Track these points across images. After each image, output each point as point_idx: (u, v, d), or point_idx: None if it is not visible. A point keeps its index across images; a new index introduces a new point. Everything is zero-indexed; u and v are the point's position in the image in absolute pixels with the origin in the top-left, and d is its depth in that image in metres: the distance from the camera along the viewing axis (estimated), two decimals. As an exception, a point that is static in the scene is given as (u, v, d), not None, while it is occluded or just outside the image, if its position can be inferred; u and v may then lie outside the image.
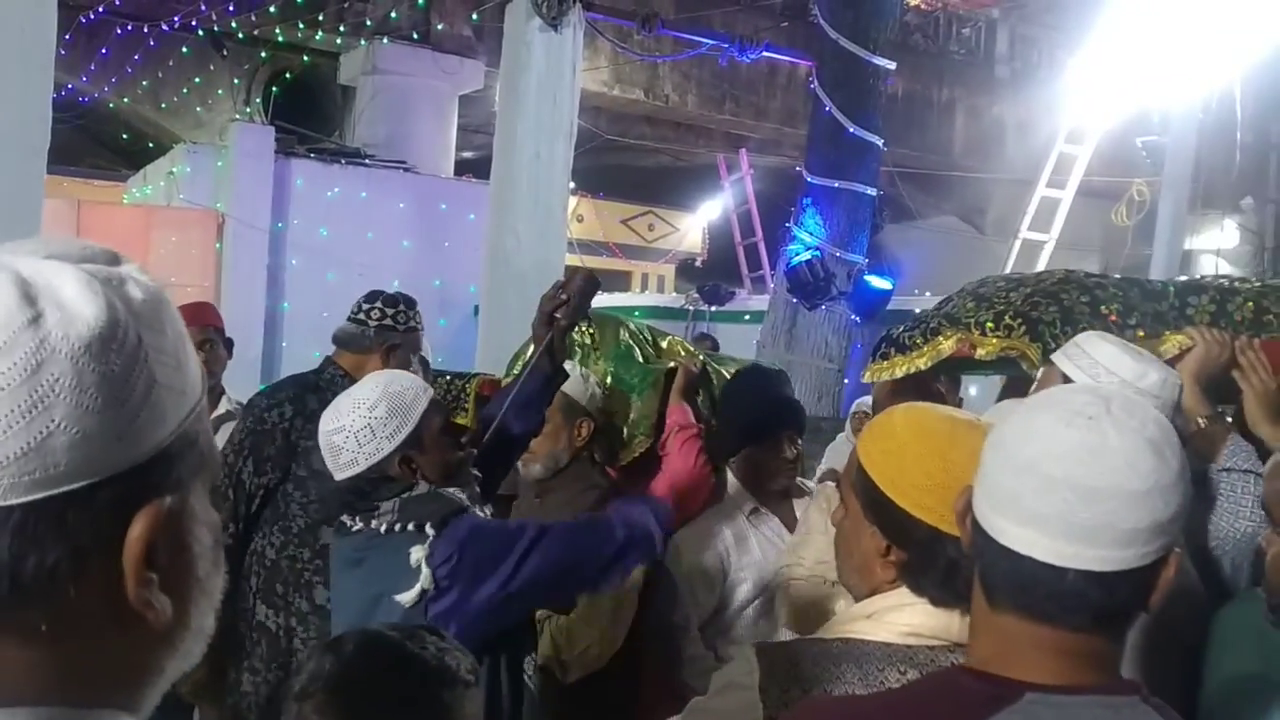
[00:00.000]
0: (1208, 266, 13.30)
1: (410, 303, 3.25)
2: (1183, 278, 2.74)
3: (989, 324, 2.45)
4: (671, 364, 3.23)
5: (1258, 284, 2.59)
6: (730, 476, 3.05)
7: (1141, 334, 2.36)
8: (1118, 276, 2.85)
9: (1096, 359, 1.94)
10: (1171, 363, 2.22)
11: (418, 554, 2.00)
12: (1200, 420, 2.15)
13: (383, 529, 2.03)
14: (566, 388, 2.85)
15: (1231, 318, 2.41)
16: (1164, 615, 1.73)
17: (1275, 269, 14.38)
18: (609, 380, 3.18)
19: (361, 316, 3.17)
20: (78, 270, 0.63)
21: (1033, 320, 2.41)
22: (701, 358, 3.37)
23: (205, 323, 4.06)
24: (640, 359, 3.25)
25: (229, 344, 4.22)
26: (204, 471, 0.69)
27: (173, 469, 0.65)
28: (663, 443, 3.10)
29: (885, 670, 1.35)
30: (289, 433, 3.01)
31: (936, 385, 3.22)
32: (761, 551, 2.92)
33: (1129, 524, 1.01)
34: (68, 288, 0.61)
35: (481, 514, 2.16)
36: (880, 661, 1.33)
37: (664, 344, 3.39)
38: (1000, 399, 2.86)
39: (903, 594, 1.38)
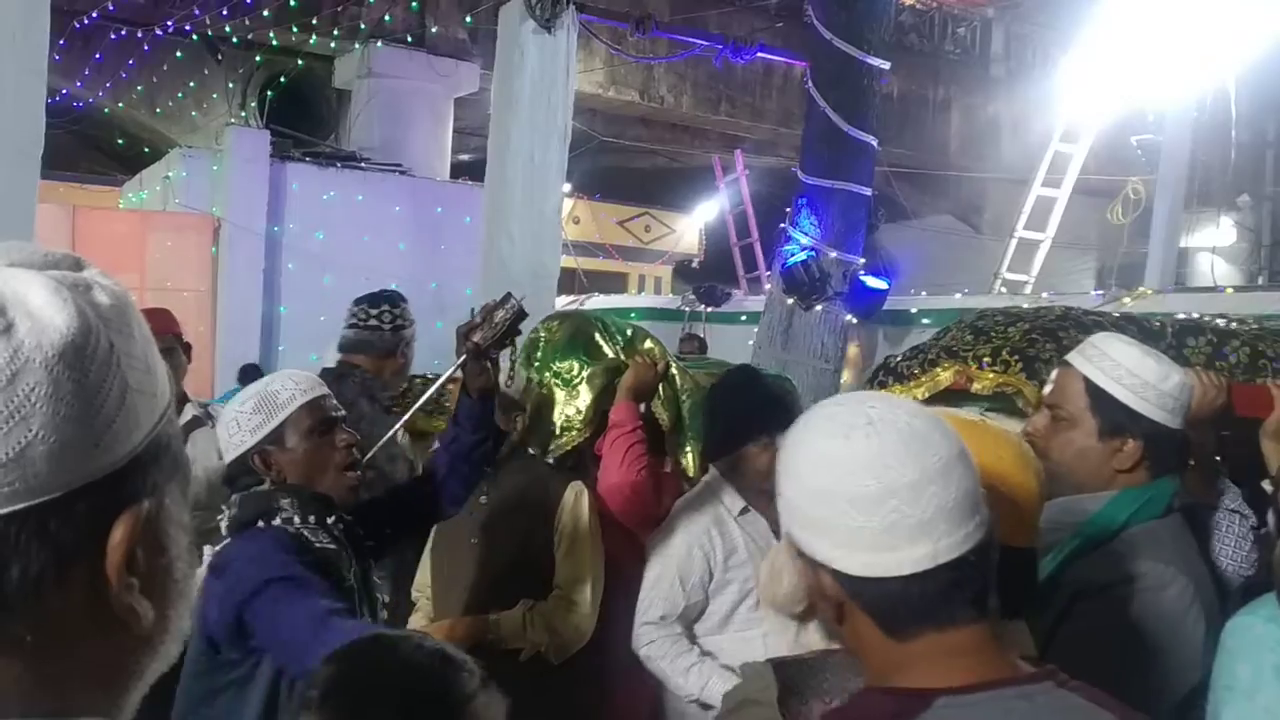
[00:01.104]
0: (1204, 264, 13.31)
1: (403, 298, 3.48)
2: (1181, 316, 2.74)
3: (986, 358, 2.48)
4: (618, 363, 3.25)
5: (1255, 327, 2.61)
6: (716, 475, 3.01)
7: None
8: (1116, 315, 2.85)
9: (1118, 360, 1.91)
10: None
11: (208, 553, 2.10)
12: (1192, 459, 2.16)
13: (224, 524, 2.12)
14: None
15: (1227, 360, 2.42)
16: (1162, 632, 1.74)
17: (1271, 266, 14.39)
18: (548, 375, 3.19)
19: (374, 323, 3.34)
20: (44, 277, 0.62)
21: (1030, 358, 2.43)
22: (668, 359, 3.37)
23: (167, 330, 4.05)
24: (584, 355, 3.24)
25: (187, 349, 4.24)
26: (178, 474, 0.69)
27: (148, 473, 0.65)
28: (599, 442, 3.12)
29: None
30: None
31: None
32: (749, 555, 2.88)
33: (953, 498, 1.04)
34: (35, 296, 0.61)
35: (311, 534, 2.08)
36: None
37: (644, 344, 3.37)
38: None
39: None
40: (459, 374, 2.51)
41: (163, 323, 4.07)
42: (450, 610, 2.96)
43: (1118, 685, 1.67)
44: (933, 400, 2.60)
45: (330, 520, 2.14)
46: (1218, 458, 2.29)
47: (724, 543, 2.88)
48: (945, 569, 1.04)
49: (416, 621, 3.03)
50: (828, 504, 1.07)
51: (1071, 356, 2.01)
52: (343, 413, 2.25)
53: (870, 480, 1.04)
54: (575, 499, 2.97)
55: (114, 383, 0.62)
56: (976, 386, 2.49)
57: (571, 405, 3.12)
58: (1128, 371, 1.89)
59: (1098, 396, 1.89)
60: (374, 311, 3.37)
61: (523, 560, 2.93)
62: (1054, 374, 2.05)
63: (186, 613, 0.70)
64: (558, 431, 3.13)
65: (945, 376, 2.54)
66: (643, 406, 3.22)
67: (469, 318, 2.52)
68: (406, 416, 2.76)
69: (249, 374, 6.59)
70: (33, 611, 0.60)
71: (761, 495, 2.95)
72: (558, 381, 3.17)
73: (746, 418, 2.94)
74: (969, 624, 1.07)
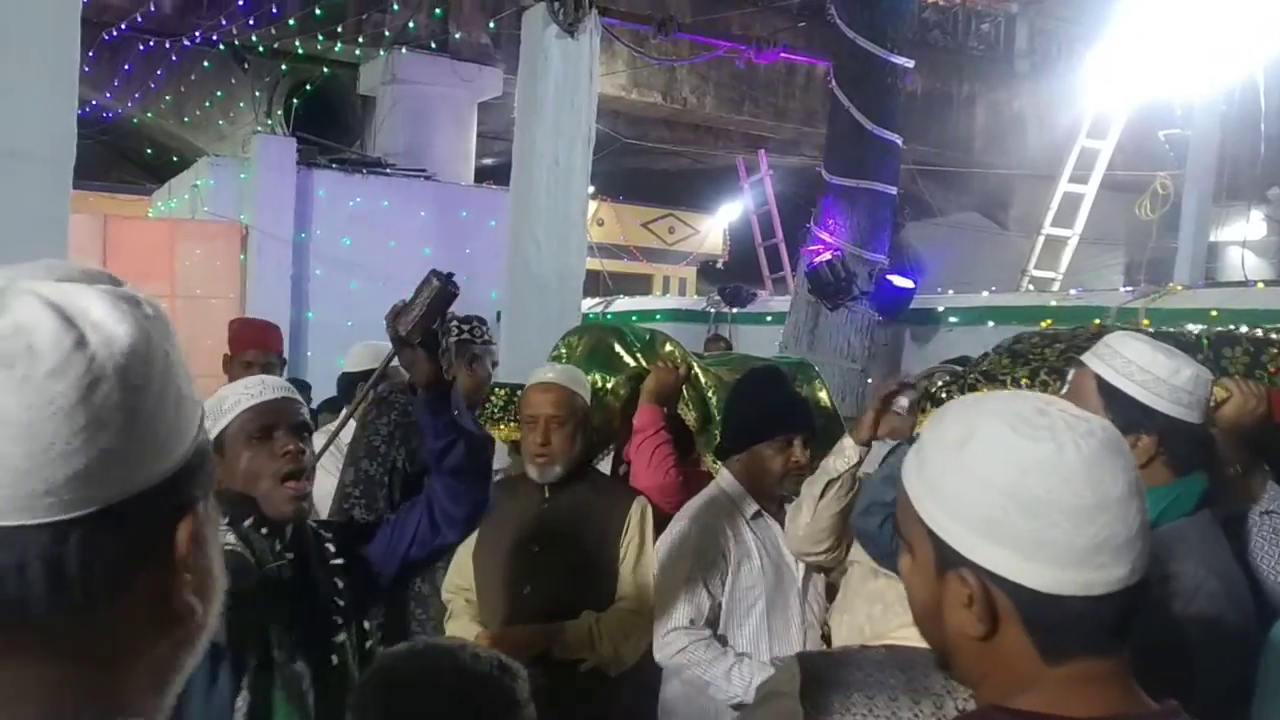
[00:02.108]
0: (1234, 258, 13.16)
1: (483, 321, 3.57)
2: (1217, 329, 2.74)
3: (1024, 380, 2.48)
4: (639, 370, 3.26)
5: None
6: (729, 476, 2.94)
7: None
8: (1151, 330, 2.86)
9: (1129, 358, 1.92)
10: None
11: None
12: (1238, 466, 2.15)
13: None
14: (574, 388, 2.93)
15: (1265, 369, 2.42)
16: (1195, 636, 1.73)
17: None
18: None
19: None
20: (100, 291, 0.64)
21: (1067, 376, 2.42)
22: (689, 361, 3.39)
23: (274, 348, 4.19)
24: (615, 368, 3.27)
25: (283, 364, 4.36)
26: (213, 477, 0.73)
27: (198, 474, 0.68)
28: (628, 446, 3.13)
29: (930, 675, 1.34)
30: None
31: None
32: (761, 560, 2.83)
33: (1145, 514, 1.01)
34: (96, 309, 0.63)
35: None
36: (925, 667, 1.31)
37: (666, 349, 3.39)
38: None
39: None
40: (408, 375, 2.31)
41: (267, 340, 4.14)
42: (503, 615, 2.91)
43: (1151, 691, 1.67)
44: None
45: (248, 523, 1.97)
46: (1267, 466, 2.29)
47: (737, 546, 2.82)
48: (1129, 593, 0.99)
49: (460, 625, 2.96)
50: (1035, 515, 0.98)
51: (1085, 356, 2.02)
52: (301, 419, 2.08)
53: (1087, 492, 0.97)
54: (641, 513, 2.98)
55: (171, 389, 0.65)
56: None
57: (596, 417, 3.15)
58: (1139, 368, 1.90)
59: (1110, 394, 1.90)
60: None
61: (588, 571, 2.92)
62: (1070, 375, 2.06)
63: (218, 610, 0.73)
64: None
65: None
66: (666, 409, 3.24)
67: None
68: (340, 422, 2.76)
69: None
70: (103, 611, 0.63)
71: (773, 500, 2.93)
72: None
73: (763, 417, 2.89)
74: (1115, 654, 1.02)
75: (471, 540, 2.96)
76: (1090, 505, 0.97)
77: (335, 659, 1.99)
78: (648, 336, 3.44)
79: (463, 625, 2.96)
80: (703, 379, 3.33)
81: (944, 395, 2.64)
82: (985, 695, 1.07)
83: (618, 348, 3.36)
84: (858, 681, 1.36)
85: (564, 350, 3.44)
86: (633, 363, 3.34)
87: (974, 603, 1.01)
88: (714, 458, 3.23)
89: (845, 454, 2.61)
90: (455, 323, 3.48)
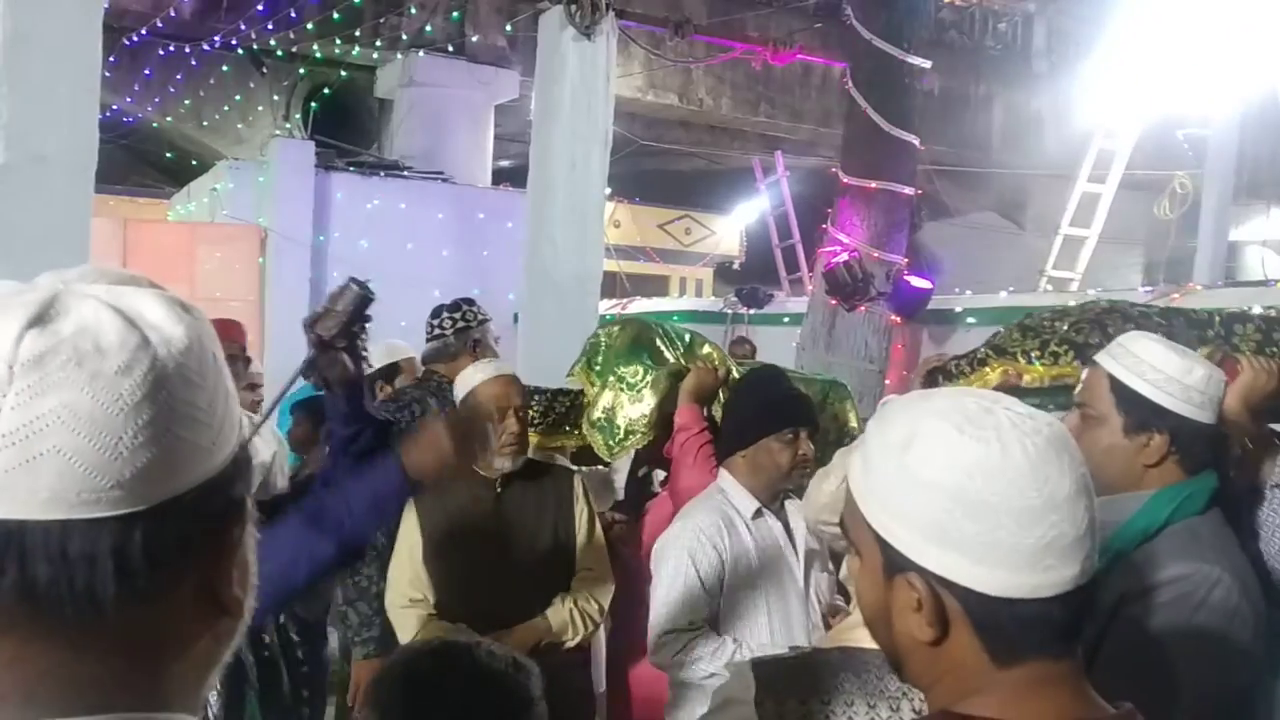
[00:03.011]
0: (1254, 257, 13.09)
1: (470, 301, 3.66)
2: (1228, 308, 2.75)
3: (1035, 353, 2.49)
4: (680, 367, 3.28)
5: None
6: (729, 477, 2.88)
7: None
8: (1160, 306, 2.87)
9: (1141, 356, 1.93)
10: None
11: None
12: (1248, 442, 2.15)
13: None
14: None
15: (1277, 345, 2.42)
16: (1211, 633, 1.73)
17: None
18: (612, 378, 3.24)
19: (438, 331, 3.57)
20: (154, 293, 0.67)
21: (1079, 345, 2.45)
22: (729, 364, 3.40)
23: (234, 339, 4.37)
24: (648, 360, 3.28)
25: (247, 362, 4.61)
26: (253, 475, 0.74)
27: (244, 471, 0.71)
28: (669, 446, 3.14)
29: (885, 679, 1.32)
30: None
31: None
32: (760, 562, 2.77)
33: (1094, 512, 0.98)
34: (152, 311, 0.65)
35: None
36: (880, 669, 1.28)
37: (703, 350, 3.41)
38: None
39: None
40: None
41: (232, 332, 4.34)
42: (476, 615, 2.90)
43: (1172, 691, 1.67)
44: None
45: None
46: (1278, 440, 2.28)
47: (734, 547, 2.77)
48: (1079, 593, 0.97)
49: (432, 631, 2.89)
50: (980, 518, 0.95)
51: (1099, 356, 2.03)
52: None
53: (1033, 493, 0.95)
54: (582, 487, 3.09)
55: (221, 387, 0.68)
56: (1026, 380, 2.50)
57: (635, 408, 3.17)
58: (1151, 367, 1.91)
59: (1122, 393, 1.91)
60: (435, 321, 3.58)
61: (555, 554, 3.01)
62: (1084, 373, 2.07)
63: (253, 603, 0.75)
64: (623, 434, 3.19)
65: (994, 375, 2.56)
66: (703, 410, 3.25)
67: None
68: (260, 422, 2.78)
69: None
70: (160, 603, 0.65)
71: (775, 497, 2.88)
72: (622, 385, 3.22)
73: (769, 410, 2.85)
74: (1068, 656, 1.00)
75: (417, 549, 2.96)
76: (1037, 506, 0.95)
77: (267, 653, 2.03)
78: (687, 337, 3.46)
79: (437, 630, 2.91)
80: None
81: (954, 369, 2.65)
82: (937, 700, 1.04)
83: (659, 343, 3.37)
84: (814, 687, 1.34)
85: (603, 339, 3.44)
86: (672, 359, 3.35)
87: (923, 607, 0.99)
88: None
89: None
90: (445, 312, 3.59)
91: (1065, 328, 2.53)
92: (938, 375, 2.70)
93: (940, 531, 0.97)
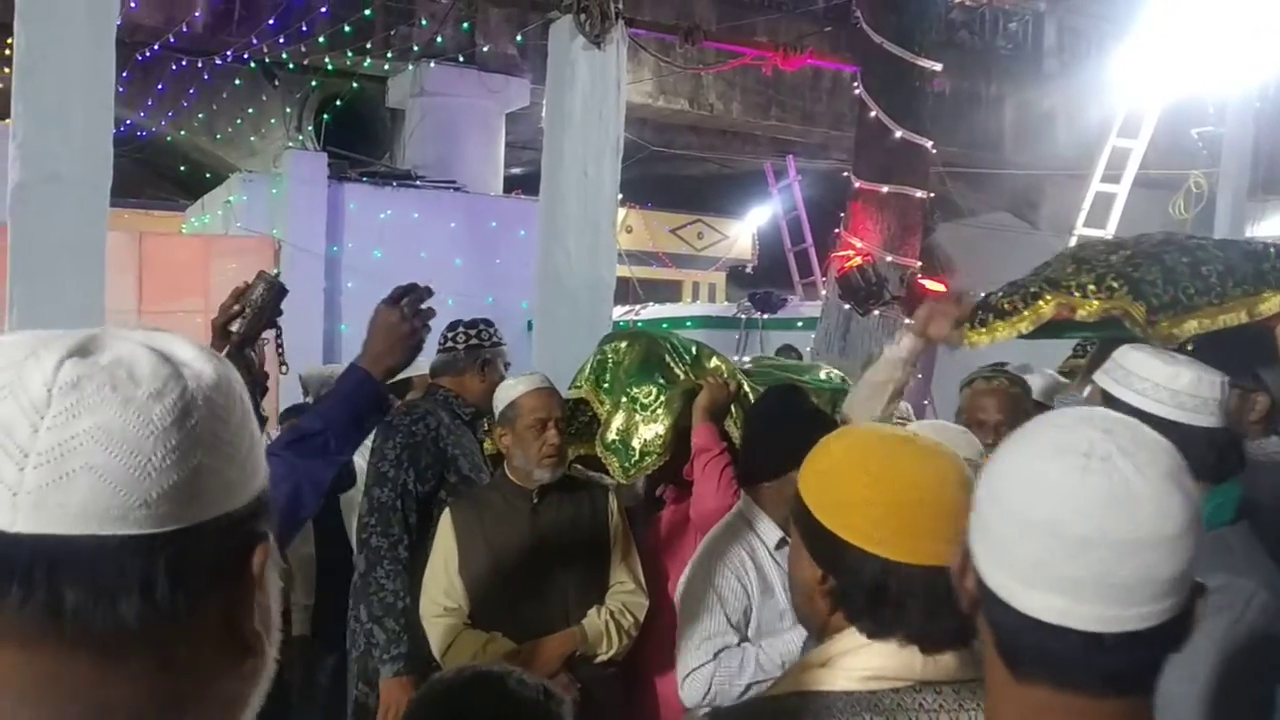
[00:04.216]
0: (1271, 255, 12.99)
1: (488, 322, 3.64)
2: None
3: (1091, 286, 2.41)
4: (694, 385, 3.24)
5: None
6: (751, 504, 2.77)
7: (1240, 292, 2.36)
8: (1217, 238, 2.81)
9: (1128, 368, 1.94)
10: (1271, 321, 2.25)
11: None
12: None
13: None
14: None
15: None
16: (1250, 647, 1.71)
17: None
18: (624, 399, 3.22)
19: (450, 344, 3.54)
20: (183, 338, 0.71)
21: (1134, 280, 2.37)
22: (738, 378, 3.37)
23: None
24: (660, 379, 3.24)
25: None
26: (275, 520, 0.76)
27: (265, 512, 0.72)
28: (688, 467, 3.10)
29: None
30: (438, 440, 3.29)
31: (1026, 401, 3.17)
32: (785, 593, 2.65)
33: (1168, 573, 0.90)
34: (183, 352, 0.69)
35: None
36: (843, 713, 1.21)
37: (711, 363, 3.37)
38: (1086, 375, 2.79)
39: (855, 635, 1.27)
40: None
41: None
42: (506, 624, 2.92)
43: (1218, 708, 1.65)
44: (1037, 333, 2.53)
45: None
46: None
47: (759, 579, 2.68)
48: (1121, 638, 0.90)
49: (471, 639, 2.90)
50: (1035, 538, 0.92)
51: (1097, 375, 2.04)
52: None
53: (1107, 522, 0.89)
54: (618, 503, 3.10)
55: (248, 425, 0.71)
56: (1081, 314, 2.41)
57: (650, 429, 3.14)
58: (1138, 377, 1.91)
59: (1112, 405, 1.89)
60: (450, 334, 3.57)
61: (590, 567, 3.00)
62: (1085, 392, 2.05)
63: (276, 651, 0.75)
64: (639, 456, 3.15)
65: (1048, 309, 2.45)
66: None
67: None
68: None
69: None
70: (180, 629, 0.66)
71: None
72: (635, 406, 3.19)
73: (797, 443, 2.69)
74: (1120, 696, 0.94)
75: (453, 558, 2.97)
76: (1087, 537, 0.91)
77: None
78: (694, 349, 3.42)
79: (473, 639, 2.91)
80: (752, 398, 3.30)
81: (1005, 305, 2.53)
82: None
83: (668, 359, 3.34)
84: None
85: (610, 356, 3.39)
86: (681, 374, 3.32)
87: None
88: None
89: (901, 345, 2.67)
90: (462, 327, 3.57)
91: (1120, 262, 2.46)
92: (983, 311, 2.59)
93: (1001, 548, 0.96)
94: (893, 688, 1.22)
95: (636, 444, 3.15)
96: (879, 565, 1.22)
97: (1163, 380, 1.88)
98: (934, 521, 1.22)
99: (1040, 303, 2.48)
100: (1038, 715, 0.96)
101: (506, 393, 3.06)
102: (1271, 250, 2.48)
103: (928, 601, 1.21)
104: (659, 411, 3.16)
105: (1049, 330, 2.59)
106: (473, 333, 3.56)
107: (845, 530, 1.26)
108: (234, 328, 2.28)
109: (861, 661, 1.24)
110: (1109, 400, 1.92)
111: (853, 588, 1.26)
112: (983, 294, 2.67)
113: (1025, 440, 0.98)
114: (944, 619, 1.18)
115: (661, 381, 3.22)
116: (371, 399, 1.96)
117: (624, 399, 3.21)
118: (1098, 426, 0.95)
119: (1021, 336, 2.54)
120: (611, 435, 3.22)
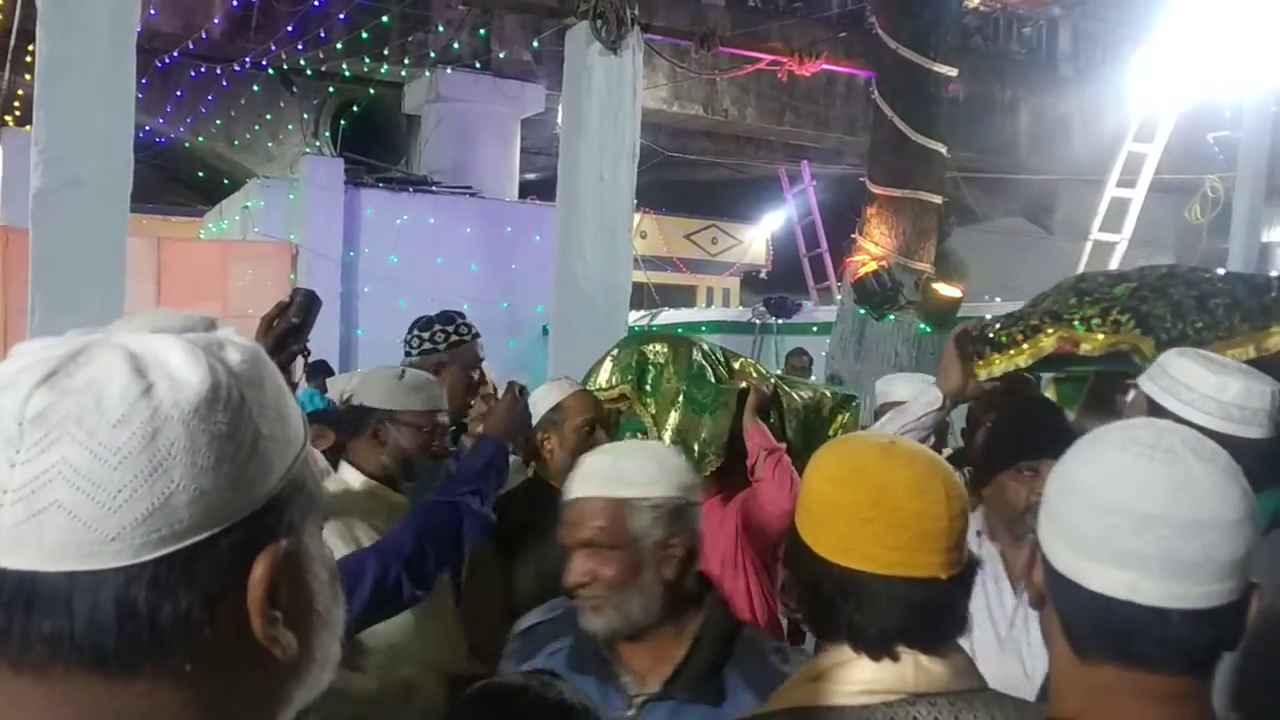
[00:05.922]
0: (1288, 259, 12.94)
1: (447, 318, 3.40)
2: None
3: (1095, 320, 2.38)
4: (744, 385, 3.23)
5: None
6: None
7: (1247, 327, 2.31)
8: (1221, 271, 2.79)
9: (1175, 375, 1.89)
10: (1277, 356, 2.18)
11: None
12: None
13: None
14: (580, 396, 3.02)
15: None
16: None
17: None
18: (681, 399, 3.20)
19: (429, 345, 3.36)
20: (181, 340, 0.68)
21: (1142, 315, 2.34)
22: (773, 380, 3.37)
23: None
24: (712, 379, 3.23)
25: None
26: (314, 512, 0.74)
27: (285, 513, 0.70)
28: (751, 466, 3.07)
29: None
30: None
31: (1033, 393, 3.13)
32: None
33: (1227, 555, 0.98)
34: (173, 357, 0.66)
35: None
36: None
37: (736, 365, 3.38)
38: (1082, 411, 2.80)
39: (845, 649, 1.25)
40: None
41: None
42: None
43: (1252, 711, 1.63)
44: (1037, 366, 2.50)
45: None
46: None
47: None
48: (1184, 615, 0.99)
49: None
50: (1105, 517, 1.01)
51: (1140, 378, 2.00)
52: None
53: (1173, 503, 0.99)
54: None
55: (246, 432, 0.67)
56: (1085, 348, 2.36)
57: (708, 429, 3.11)
58: (1184, 386, 1.88)
59: (1158, 414, 1.86)
60: (408, 337, 3.40)
61: None
62: (1130, 397, 2.03)
63: (333, 641, 0.75)
64: (698, 456, 3.11)
65: (1049, 342, 2.40)
66: None
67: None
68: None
69: (319, 369, 6.70)
70: (188, 646, 0.65)
71: (1007, 532, 2.41)
72: (693, 406, 3.16)
73: (1013, 440, 2.43)
74: (1178, 675, 1.02)
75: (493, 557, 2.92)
76: (1151, 514, 1.01)
77: None
78: (721, 353, 3.41)
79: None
80: (785, 402, 3.29)
81: (1002, 338, 2.49)
82: (1058, 709, 1.09)
83: (707, 361, 3.32)
84: None
85: (650, 356, 3.32)
86: (727, 376, 3.31)
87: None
88: None
89: (929, 397, 2.51)
90: (437, 326, 3.39)
91: (1125, 295, 2.41)
92: (980, 345, 2.52)
93: (1069, 528, 1.05)
94: (885, 701, 1.20)
95: (694, 444, 3.12)
96: (831, 575, 1.23)
97: (1210, 391, 1.85)
98: (920, 532, 1.22)
99: (1041, 336, 2.43)
100: (1104, 694, 1.02)
101: (546, 397, 3.00)
102: (1275, 282, 2.46)
103: (876, 605, 1.21)
104: (718, 412, 3.13)
105: (1047, 364, 2.55)
106: (425, 335, 3.38)
107: (807, 535, 1.29)
108: (290, 340, 2.28)
109: (853, 675, 1.23)
110: (1154, 408, 1.89)
111: (805, 592, 1.28)
112: (981, 327, 2.62)
113: (1095, 437, 1.08)
114: (918, 627, 1.21)
115: (714, 382, 3.21)
116: (498, 458, 2.48)
117: (680, 399, 3.17)
118: (1161, 426, 1.08)
119: (1021, 370, 2.50)
120: (669, 435, 3.19)
